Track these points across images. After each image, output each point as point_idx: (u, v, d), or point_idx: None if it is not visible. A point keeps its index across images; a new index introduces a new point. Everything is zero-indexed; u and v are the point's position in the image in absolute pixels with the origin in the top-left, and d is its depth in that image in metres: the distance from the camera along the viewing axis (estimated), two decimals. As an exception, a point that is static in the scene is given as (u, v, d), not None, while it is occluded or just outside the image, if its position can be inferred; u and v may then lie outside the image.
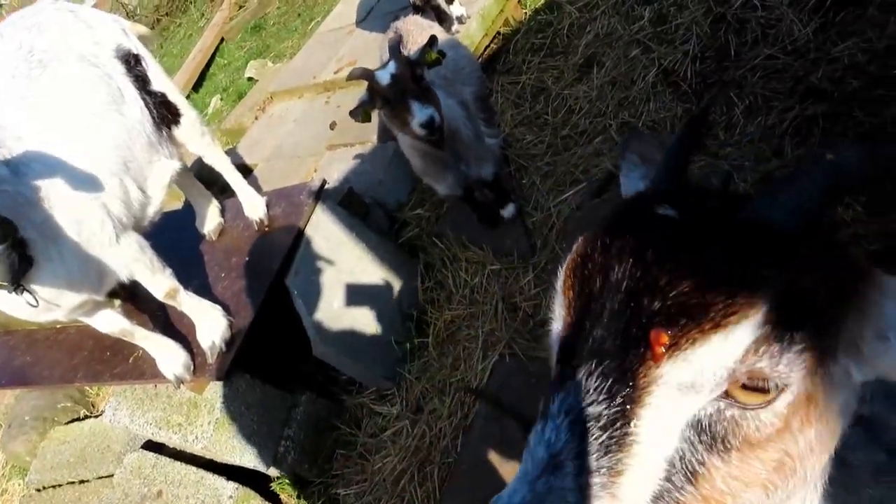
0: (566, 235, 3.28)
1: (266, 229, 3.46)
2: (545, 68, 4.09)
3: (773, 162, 3.03)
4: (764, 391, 0.66)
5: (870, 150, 0.68)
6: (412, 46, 3.09)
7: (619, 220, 0.80)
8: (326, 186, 3.58)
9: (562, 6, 4.28)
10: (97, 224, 2.45)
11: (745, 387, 0.66)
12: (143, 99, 2.89)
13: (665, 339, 0.66)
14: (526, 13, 4.65)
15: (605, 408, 0.66)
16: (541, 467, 0.66)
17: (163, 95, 3.03)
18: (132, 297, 3.37)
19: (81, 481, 3.79)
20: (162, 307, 3.29)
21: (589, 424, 0.66)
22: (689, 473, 0.67)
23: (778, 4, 3.44)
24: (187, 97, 7.00)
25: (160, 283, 2.82)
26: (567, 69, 3.97)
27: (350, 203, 3.57)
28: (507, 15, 4.62)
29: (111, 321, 2.83)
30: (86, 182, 2.40)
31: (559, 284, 0.82)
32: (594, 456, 0.65)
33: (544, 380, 2.87)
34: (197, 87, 7.73)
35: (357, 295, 3.30)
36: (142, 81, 2.93)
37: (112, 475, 3.51)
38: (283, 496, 3.24)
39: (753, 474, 0.69)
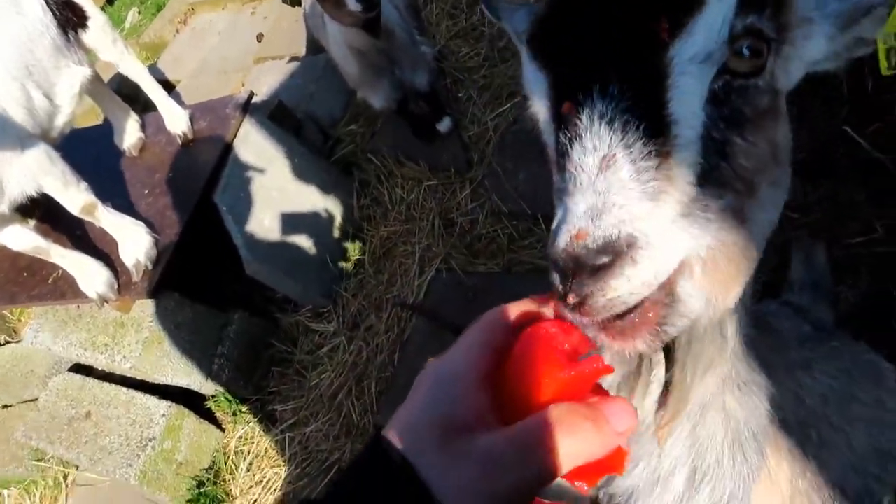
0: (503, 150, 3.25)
1: (190, 144, 3.30)
2: (483, -21, 3.94)
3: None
4: (757, 55, 0.71)
5: None
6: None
7: None
8: (255, 100, 3.42)
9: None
10: None
11: (739, 54, 0.71)
12: None
13: (664, 22, 0.67)
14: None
15: (634, 101, 0.66)
16: (593, 169, 0.65)
17: (64, -5, 2.78)
18: (48, 216, 3.18)
19: (4, 406, 3.66)
20: (81, 226, 3.13)
21: (624, 119, 0.66)
22: (718, 150, 0.70)
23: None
24: (101, 9, 6.48)
25: (74, 197, 2.66)
26: (505, -20, 3.84)
27: (280, 117, 3.42)
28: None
29: (22, 238, 2.67)
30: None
31: (537, 25, 0.78)
32: (639, 145, 0.65)
33: (481, 294, 2.90)
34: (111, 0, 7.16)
35: (290, 212, 3.21)
36: (39, -22, 2.67)
37: (36, 399, 3.40)
38: (218, 414, 3.22)
39: (761, 153, 0.74)
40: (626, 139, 0.65)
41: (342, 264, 3.32)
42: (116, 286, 2.90)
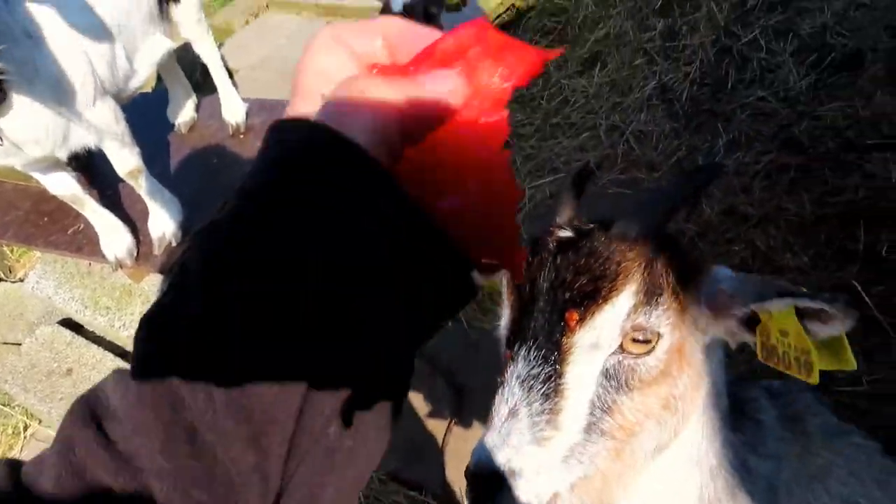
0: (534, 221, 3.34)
1: (241, 136, 3.37)
2: (550, 53, 4.11)
3: (740, 197, 3.18)
4: (647, 342, 0.96)
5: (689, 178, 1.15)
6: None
7: (538, 240, 1.07)
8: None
9: (581, -5, 4.30)
10: (79, 79, 2.32)
11: (633, 340, 0.95)
12: None
13: (575, 315, 0.94)
14: (544, -7, 4.65)
15: (542, 369, 0.94)
16: (503, 417, 0.93)
17: (168, -32, 2.88)
18: (86, 168, 3.22)
19: (-15, 343, 3.62)
20: (113, 186, 3.17)
21: (532, 383, 0.94)
22: (605, 409, 0.96)
23: (781, 51, 3.57)
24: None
25: (126, 159, 2.70)
26: (572, 60, 4.00)
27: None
28: (526, -10, 4.61)
29: (65, 184, 2.70)
30: (82, 31, 2.27)
31: (504, 290, 1.09)
32: (538, 403, 0.93)
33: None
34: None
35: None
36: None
37: (20, 344, 3.37)
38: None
39: (649, 407, 0.97)
40: (529, 399, 0.94)
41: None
42: (136, 254, 2.92)
